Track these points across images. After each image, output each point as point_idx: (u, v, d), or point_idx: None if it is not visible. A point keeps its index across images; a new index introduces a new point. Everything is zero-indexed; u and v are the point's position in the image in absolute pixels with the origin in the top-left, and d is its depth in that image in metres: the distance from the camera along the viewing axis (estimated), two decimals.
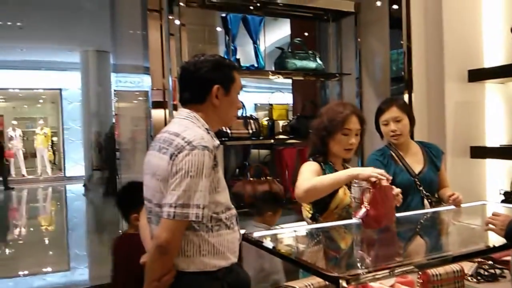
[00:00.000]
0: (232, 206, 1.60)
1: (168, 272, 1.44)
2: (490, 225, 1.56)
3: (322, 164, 2.08)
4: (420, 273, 1.55)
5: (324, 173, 2.03)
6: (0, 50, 10.91)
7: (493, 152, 3.33)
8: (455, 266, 1.55)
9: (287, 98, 4.25)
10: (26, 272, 5.08)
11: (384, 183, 1.72)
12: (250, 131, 3.24)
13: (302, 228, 1.94)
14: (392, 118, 2.41)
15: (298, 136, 3.43)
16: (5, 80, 13.51)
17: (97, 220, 8.28)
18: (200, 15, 3.49)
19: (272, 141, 3.53)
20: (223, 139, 3.11)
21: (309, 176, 1.97)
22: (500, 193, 3.24)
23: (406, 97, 3.37)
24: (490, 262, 1.80)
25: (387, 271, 1.29)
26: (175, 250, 1.43)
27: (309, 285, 1.65)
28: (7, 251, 6.29)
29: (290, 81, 4.34)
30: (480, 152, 3.35)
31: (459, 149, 3.35)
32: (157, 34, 2.99)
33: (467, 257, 1.54)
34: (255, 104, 14.31)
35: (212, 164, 1.46)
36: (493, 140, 3.44)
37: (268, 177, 3.45)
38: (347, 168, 2.13)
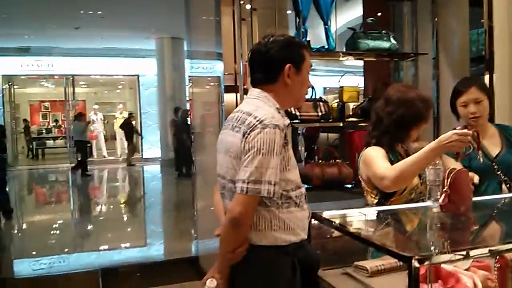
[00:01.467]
0: (302, 184, 1.62)
1: (242, 245, 1.51)
2: None
3: (387, 150, 2.05)
4: (497, 257, 1.49)
5: (389, 157, 2.00)
6: (82, 38, 11.63)
7: None
8: None
9: (358, 81, 4.17)
10: (106, 247, 5.47)
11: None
12: (320, 114, 3.22)
13: (372, 209, 1.93)
14: (472, 100, 2.30)
15: (369, 118, 3.36)
16: (86, 67, 14.42)
17: (172, 199, 8.68)
18: None
19: (342, 123, 3.48)
20: (293, 121, 3.13)
21: (384, 162, 1.94)
22: None
23: (486, 78, 3.18)
24: None
25: (461, 253, 1.26)
26: (247, 223, 1.49)
27: (380, 266, 1.66)
28: (89, 226, 6.80)
29: (361, 63, 4.25)
30: None
31: None
32: (229, 19, 3.05)
33: None
34: (324, 88, 14.16)
35: (282, 142, 1.49)
36: None
37: (337, 160, 3.44)
38: (406, 149, 2.08)
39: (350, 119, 3.45)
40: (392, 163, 1.95)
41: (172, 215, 7.17)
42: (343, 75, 3.60)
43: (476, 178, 2.12)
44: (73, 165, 12.08)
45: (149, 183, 11.26)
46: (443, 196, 1.67)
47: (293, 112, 3.14)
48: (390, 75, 4.01)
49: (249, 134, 1.48)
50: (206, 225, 4.05)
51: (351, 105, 3.44)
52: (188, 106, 10.31)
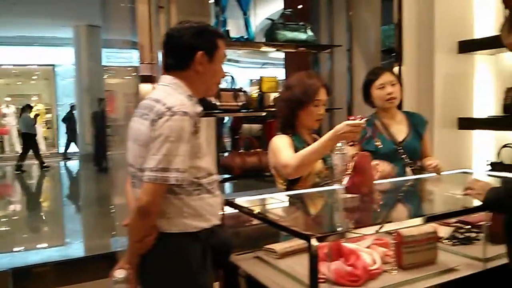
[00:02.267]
0: (214, 171, 1.62)
1: (150, 234, 1.48)
2: (469, 190, 1.60)
3: (291, 135, 2.12)
4: (394, 234, 1.59)
5: (294, 145, 2.07)
6: None
7: (480, 123, 3.35)
8: (428, 228, 1.59)
9: (281, 73, 4.25)
10: (22, 248, 5.14)
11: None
12: (239, 103, 3.24)
13: (281, 194, 1.98)
14: (388, 82, 2.44)
15: None
16: None
17: (92, 195, 8.34)
18: None
19: (264, 113, 3.53)
20: (213, 111, 3.12)
21: (288, 151, 2.01)
22: (487, 164, 3.28)
23: (396, 69, 3.37)
24: (468, 227, 1.84)
25: (357, 231, 1.33)
26: (155, 212, 1.46)
27: (289, 247, 1.70)
28: (2, 227, 6.34)
29: (283, 55, 4.34)
30: (467, 123, 3.37)
31: (447, 120, 3.37)
32: (145, 7, 2.96)
33: (438, 218, 1.58)
34: (250, 80, 14.30)
35: (192, 130, 1.47)
36: (481, 111, 3.46)
37: (258, 149, 3.48)
38: (316, 138, 2.16)
39: (270, 109, 3.50)
40: (297, 150, 2.02)
41: (92, 211, 6.89)
42: (262, 65, 3.65)
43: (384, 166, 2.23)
44: None
45: (67, 180, 10.72)
46: (347, 178, 1.75)
47: (213, 102, 3.14)
48: (309, 67, 4.13)
49: (157, 121, 1.45)
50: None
51: (272, 95, 3.50)
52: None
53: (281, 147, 2.04)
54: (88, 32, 11.16)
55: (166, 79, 1.60)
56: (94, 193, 8.43)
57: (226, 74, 1.79)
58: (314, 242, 1.21)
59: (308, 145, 2.07)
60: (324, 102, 2.15)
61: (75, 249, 5.14)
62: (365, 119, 1.90)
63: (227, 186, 4.74)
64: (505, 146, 3.18)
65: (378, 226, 1.37)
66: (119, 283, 1.47)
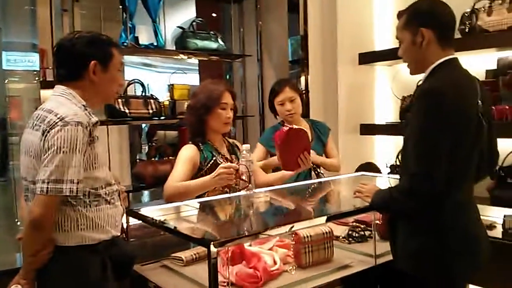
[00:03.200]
0: (113, 182, 1.59)
1: (45, 248, 1.43)
2: (358, 193, 1.73)
3: (200, 144, 2.16)
4: (293, 235, 1.68)
5: (202, 154, 2.12)
6: None
7: (380, 128, 3.61)
8: (324, 228, 1.70)
9: (195, 79, 4.25)
10: None
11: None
12: (151, 111, 3.20)
13: (189, 202, 2.00)
14: (287, 98, 2.56)
15: None
16: None
17: None
18: None
19: (175, 121, 3.52)
20: (122, 118, 3.05)
21: (181, 170, 2.05)
22: (387, 166, 3.54)
23: (303, 79, 3.54)
24: (363, 226, 1.99)
25: (253, 235, 1.39)
26: (49, 225, 1.42)
27: (195, 254, 1.73)
28: None
29: (197, 62, 4.35)
30: (368, 129, 3.62)
31: (350, 126, 3.60)
32: (47, 9, 2.83)
33: (332, 218, 1.70)
34: (168, 85, 14.06)
35: (87, 140, 1.45)
36: (381, 118, 3.73)
37: (171, 157, 3.46)
38: (229, 143, 2.27)
39: (182, 116, 3.49)
40: (205, 159, 2.10)
41: None
42: (173, 73, 3.65)
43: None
44: None
45: None
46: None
47: (122, 110, 3.07)
48: (222, 74, 4.19)
49: (48, 132, 1.41)
50: None
51: (185, 102, 3.49)
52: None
53: (179, 161, 2.10)
54: None
55: (59, 90, 1.56)
56: None
57: (122, 81, 1.77)
58: (212, 247, 1.24)
59: (218, 152, 2.15)
60: (231, 106, 2.20)
61: None
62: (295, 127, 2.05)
63: (143, 195, 4.64)
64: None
65: (273, 229, 1.44)
66: None
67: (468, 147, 1.52)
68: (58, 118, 1.42)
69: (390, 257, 1.71)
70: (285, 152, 2.02)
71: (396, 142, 3.65)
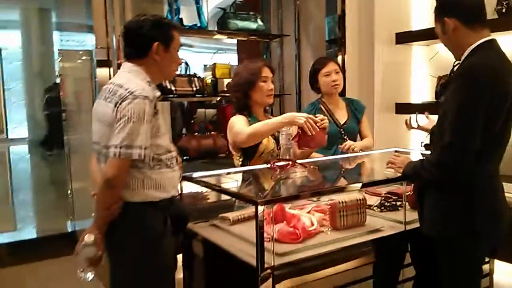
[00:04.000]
0: (173, 149, 1.80)
1: (116, 202, 1.64)
2: (391, 164, 1.87)
3: (247, 116, 2.35)
4: (329, 201, 1.85)
5: (250, 124, 2.29)
6: None
7: (415, 107, 3.67)
8: (358, 196, 1.87)
9: (233, 59, 4.41)
10: None
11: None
12: (194, 89, 3.40)
13: (236, 169, 2.20)
14: (333, 70, 2.72)
15: None
16: None
17: (45, 180, 8.18)
18: None
19: (218, 98, 3.70)
20: (168, 95, 3.26)
21: (243, 125, 2.23)
22: (421, 145, 3.62)
23: (340, 58, 3.63)
24: (395, 197, 2.13)
25: (295, 199, 1.55)
26: (120, 184, 1.63)
27: (241, 215, 1.93)
28: None
29: (235, 41, 4.51)
30: (403, 108, 3.69)
31: (386, 105, 3.68)
32: None
33: (365, 186, 1.86)
34: (205, 65, 14.30)
35: (152, 112, 1.65)
36: (417, 97, 3.79)
37: (212, 132, 3.67)
38: (270, 118, 2.40)
39: (224, 94, 3.68)
40: None
41: (46, 197, 6.81)
42: (215, 52, 3.81)
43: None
44: None
45: (16, 165, 10.40)
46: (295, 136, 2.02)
47: (169, 87, 3.28)
48: (260, 54, 4.33)
49: (120, 104, 1.61)
50: (82, 205, 4.00)
51: (226, 81, 3.67)
52: (59, 82, 9.69)
53: (237, 122, 2.28)
54: (38, 15, 10.79)
55: (127, 66, 1.76)
56: (48, 178, 8.27)
57: (181, 61, 1.96)
58: (259, 206, 1.43)
59: None
60: (271, 78, 2.38)
61: (27, 232, 5.09)
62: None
63: (187, 167, 4.86)
64: None
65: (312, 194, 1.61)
66: (88, 246, 1.62)
67: (500, 124, 1.62)
68: (128, 92, 1.61)
69: (418, 224, 1.85)
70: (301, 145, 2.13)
71: (431, 122, 3.72)
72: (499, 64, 1.66)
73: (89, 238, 1.62)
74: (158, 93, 1.74)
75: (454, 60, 1.80)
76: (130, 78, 1.70)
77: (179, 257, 2.01)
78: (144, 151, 1.61)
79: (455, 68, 1.81)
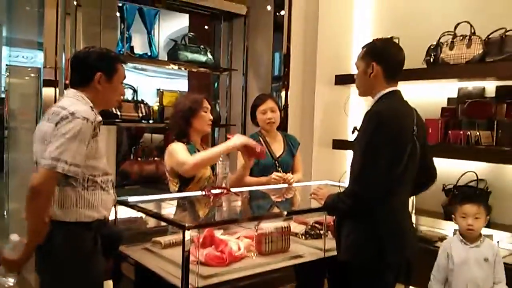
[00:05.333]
0: (110, 172, 1.88)
1: (43, 215, 1.66)
2: (314, 195, 2.05)
3: (186, 144, 2.47)
4: (257, 228, 1.98)
5: (189, 151, 2.41)
6: None
7: (350, 144, 3.91)
8: (283, 224, 2.02)
9: (184, 85, 4.49)
10: None
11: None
12: (140, 115, 3.47)
13: (172, 195, 2.29)
14: (269, 108, 2.88)
15: None
16: None
17: None
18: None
19: (162, 125, 3.78)
20: (114, 119, 3.32)
21: (186, 154, 2.35)
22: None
23: (283, 94, 3.84)
24: (319, 226, 2.30)
25: (219, 222, 1.68)
26: (45, 194, 1.66)
27: (173, 240, 2.01)
28: None
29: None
30: (340, 144, 3.94)
31: (324, 141, 3.91)
32: (53, 12, 3.05)
33: (289, 215, 2.01)
34: (157, 89, 14.27)
35: (91, 133, 1.74)
36: (353, 135, 4.03)
37: (156, 158, 3.73)
38: (206, 148, 2.57)
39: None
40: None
41: None
42: (168, 76, 3.91)
43: None
44: None
45: None
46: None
47: (114, 112, 3.33)
48: (210, 83, 4.49)
49: (59, 122, 1.70)
50: (19, 225, 3.88)
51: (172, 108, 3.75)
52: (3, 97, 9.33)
53: (178, 150, 2.39)
54: None
55: (71, 92, 1.87)
56: None
57: (124, 92, 2.08)
58: (187, 230, 1.54)
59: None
60: (210, 110, 2.56)
61: None
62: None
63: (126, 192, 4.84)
64: None
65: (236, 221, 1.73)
66: (9, 245, 1.65)
67: (404, 162, 1.84)
68: (70, 113, 1.71)
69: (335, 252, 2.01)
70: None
71: None
72: (402, 110, 1.91)
73: (13, 237, 1.65)
74: (99, 118, 1.83)
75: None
76: (73, 102, 1.80)
77: (109, 282, 2.05)
78: (70, 167, 1.66)
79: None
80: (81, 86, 1.85)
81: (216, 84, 4.43)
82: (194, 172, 2.34)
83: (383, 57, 1.93)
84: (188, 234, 1.56)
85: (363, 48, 2.04)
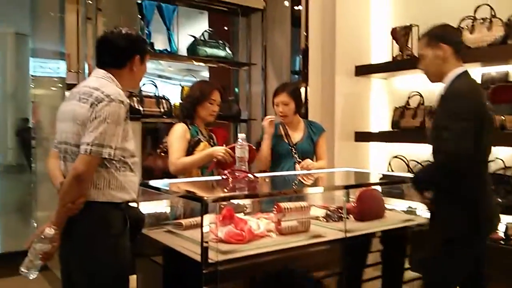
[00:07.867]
0: (136, 154, 1.90)
1: (81, 197, 1.71)
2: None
3: (188, 125, 2.64)
4: (275, 207, 1.99)
5: (190, 133, 2.61)
6: None
7: (373, 136, 3.90)
8: (302, 203, 2.01)
9: None
10: None
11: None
12: (162, 110, 3.53)
13: (191, 179, 2.37)
14: (281, 102, 2.87)
15: None
16: None
17: (11, 205, 8.03)
18: (117, 1, 3.69)
19: None
20: (135, 115, 3.37)
21: (178, 146, 2.55)
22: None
23: (303, 88, 3.82)
24: (340, 210, 2.28)
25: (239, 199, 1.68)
26: (88, 180, 1.71)
27: (193, 221, 2.04)
28: None
29: (207, 68, 4.70)
30: (362, 136, 3.91)
31: (346, 133, 3.89)
32: (74, 17, 3.12)
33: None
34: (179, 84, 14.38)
35: (124, 116, 1.77)
36: (375, 126, 4.01)
37: None
38: (210, 130, 2.80)
39: None
40: (192, 137, 2.60)
41: (11, 220, 6.70)
42: (184, 76, 3.97)
43: None
44: None
45: None
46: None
47: (136, 107, 3.40)
48: (230, 81, 4.52)
49: (97, 105, 1.72)
50: None
51: None
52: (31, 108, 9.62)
53: (174, 142, 2.57)
54: (15, 40, 10.87)
55: (100, 72, 1.87)
56: (14, 203, 8.12)
57: (149, 82, 2.14)
58: (205, 202, 1.56)
59: (202, 134, 2.65)
60: (218, 102, 2.71)
61: None
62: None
63: None
64: (395, 157, 3.74)
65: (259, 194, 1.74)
66: (46, 239, 1.66)
67: (485, 135, 1.91)
68: (105, 95, 1.73)
69: (356, 233, 2.04)
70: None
71: (388, 150, 3.93)
72: (478, 89, 2.05)
73: (50, 231, 1.66)
74: (128, 101, 1.86)
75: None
76: (104, 83, 1.81)
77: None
78: (114, 151, 1.72)
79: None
80: (113, 68, 1.86)
81: (235, 79, 4.46)
82: (177, 174, 2.56)
83: (448, 37, 2.04)
84: (208, 207, 1.57)
85: (423, 37, 2.13)
